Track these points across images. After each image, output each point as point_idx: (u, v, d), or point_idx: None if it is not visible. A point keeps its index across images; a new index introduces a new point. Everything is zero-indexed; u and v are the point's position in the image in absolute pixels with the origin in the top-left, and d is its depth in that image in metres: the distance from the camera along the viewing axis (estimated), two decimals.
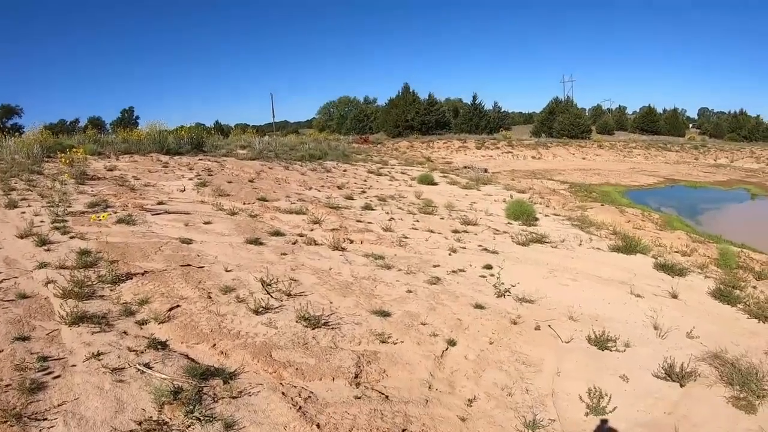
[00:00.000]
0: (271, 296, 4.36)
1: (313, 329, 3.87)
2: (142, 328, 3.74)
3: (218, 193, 9.12)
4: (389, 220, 8.25)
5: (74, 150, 11.32)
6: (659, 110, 59.11)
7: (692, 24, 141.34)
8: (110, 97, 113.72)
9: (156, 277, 4.89)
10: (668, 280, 6.08)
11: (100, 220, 6.30)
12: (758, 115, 57.67)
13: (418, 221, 8.46)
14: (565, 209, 12.48)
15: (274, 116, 50.06)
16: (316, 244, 6.26)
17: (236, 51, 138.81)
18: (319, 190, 11.04)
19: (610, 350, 4.08)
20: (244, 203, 8.56)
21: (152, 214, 7.33)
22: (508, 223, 9.44)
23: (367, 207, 9.31)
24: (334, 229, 7.10)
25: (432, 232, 7.72)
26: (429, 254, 6.42)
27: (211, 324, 3.86)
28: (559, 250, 7.43)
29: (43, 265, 4.81)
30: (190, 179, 10.58)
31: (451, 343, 3.95)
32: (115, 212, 7.29)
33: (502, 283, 5.20)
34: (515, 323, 4.44)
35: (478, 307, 4.73)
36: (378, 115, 50.37)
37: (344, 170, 16.13)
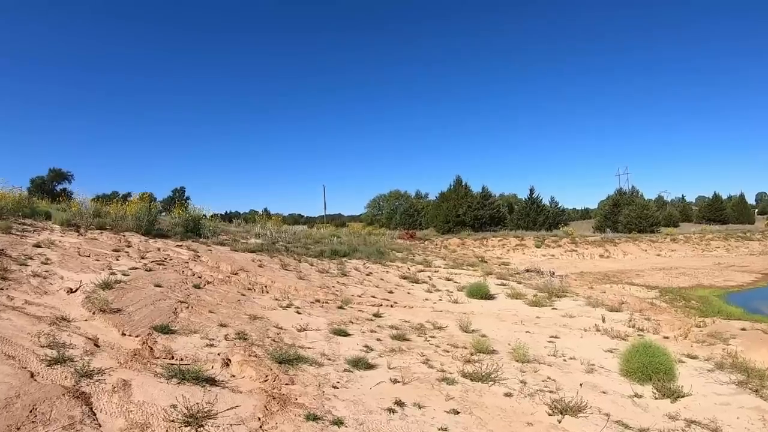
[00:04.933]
0: None
1: None
2: None
3: (103, 307, 5.12)
4: (391, 409, 3.68)
5: None
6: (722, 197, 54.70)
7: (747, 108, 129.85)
8: (167, 177, 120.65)
9: None
10: None
11: None
12: None
13: (458, 412, 3.81)
14: (692, 341, 7.35)
15: (325, 208, 48.06)
16: None
17: (290, 142, 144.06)
18: (298, 311, 6.79)
19: None
20: (123, 333, 4.44)
21: None
22: (635, 396, 4.68)
23: (360, 362, 4.66)
24: None
25: None
26: None
27: None
28: None
29: None
30: (112, 273, 6.88)
31: None
32: None
33: None
34: None
35: None
36: (428, 210, 46.91)
37: (368, 273, 12.01)
